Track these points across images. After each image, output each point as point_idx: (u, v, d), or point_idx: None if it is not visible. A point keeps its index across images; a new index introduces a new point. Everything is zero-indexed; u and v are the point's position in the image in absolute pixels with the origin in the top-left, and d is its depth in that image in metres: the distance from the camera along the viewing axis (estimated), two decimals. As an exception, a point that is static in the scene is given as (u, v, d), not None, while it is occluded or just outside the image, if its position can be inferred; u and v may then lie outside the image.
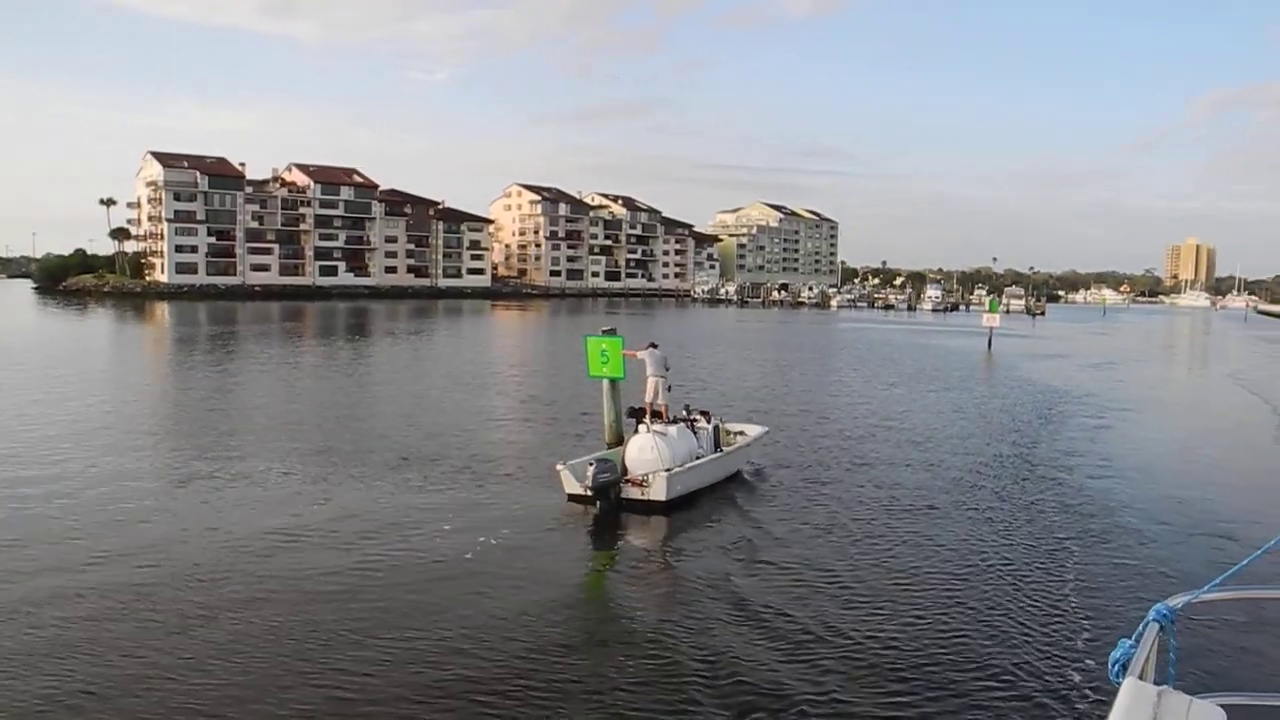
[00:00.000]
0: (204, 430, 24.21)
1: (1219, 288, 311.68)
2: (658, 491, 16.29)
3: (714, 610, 11.70)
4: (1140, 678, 2.76)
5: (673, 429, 17.88)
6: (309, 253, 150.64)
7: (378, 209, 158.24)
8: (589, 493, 16.08)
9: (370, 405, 29.97)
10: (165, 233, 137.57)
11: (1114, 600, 12.35)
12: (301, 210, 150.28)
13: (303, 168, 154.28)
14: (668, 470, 16.67)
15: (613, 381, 18.89)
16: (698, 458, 17.94)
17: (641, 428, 17.86)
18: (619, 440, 18.75)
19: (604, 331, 18.78)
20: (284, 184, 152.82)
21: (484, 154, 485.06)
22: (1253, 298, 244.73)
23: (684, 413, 19.16)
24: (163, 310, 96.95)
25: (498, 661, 10.04)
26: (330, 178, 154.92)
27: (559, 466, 17.00)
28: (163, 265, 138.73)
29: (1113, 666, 2.97)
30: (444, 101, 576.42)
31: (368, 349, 54.91)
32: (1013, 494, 18.71)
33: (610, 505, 16.12)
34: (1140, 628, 3.03)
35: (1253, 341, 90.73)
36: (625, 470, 16.99)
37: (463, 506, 16.60)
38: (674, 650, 10.38)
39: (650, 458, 17.04)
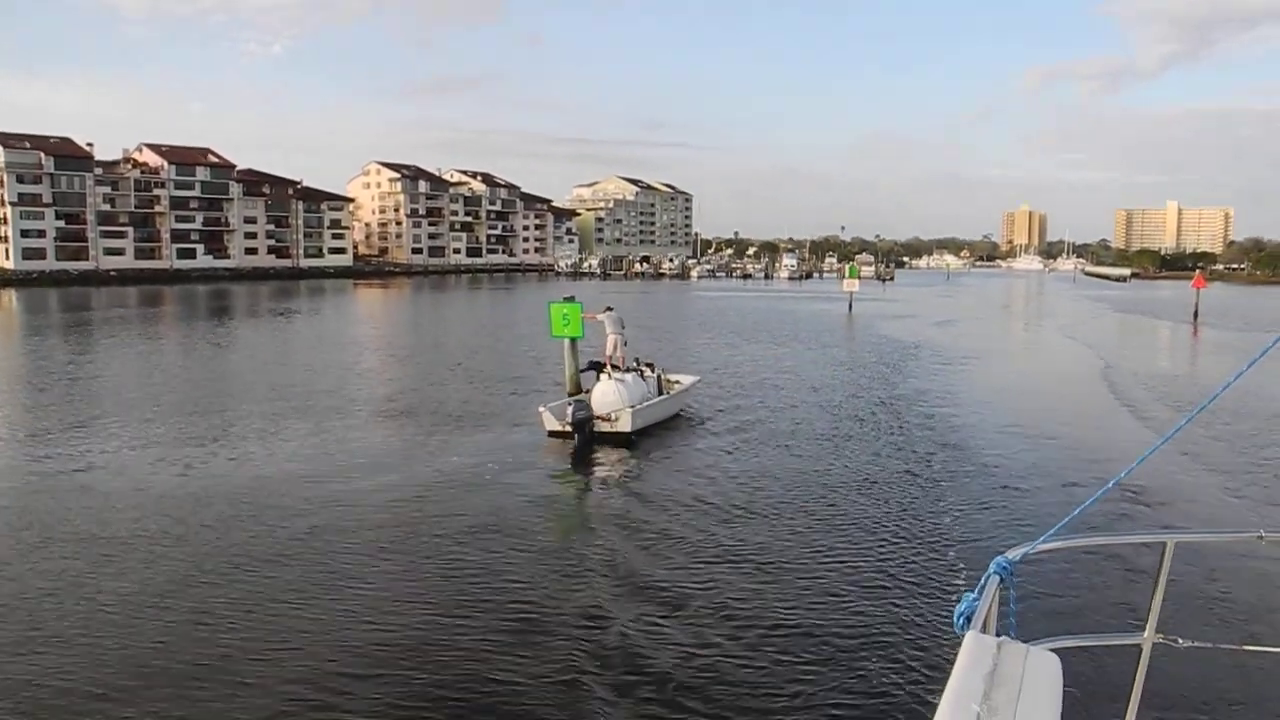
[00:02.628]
0: (195, 402, 26.55)
1: (1050, 251, 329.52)
2: (624, 424, 20.04)
3: (670, 506, 15.59)
4: (984, 629, 2.83)
5: (629, 376, 21.59)
6: (165, 235, 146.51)
7: (235, 189, 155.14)
8: (568, 428, 19.73)
9: (313, 375, 32.34)
10: (9, 217, 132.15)
11: (970, 516, 15.36)
12: (156, 192, 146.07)
13: (155, 148, 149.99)
14: (632, 407, 20.37)
15: (573, 340, 22.51)
16: (648, 400, 21.66)
17: (603, 376, 21.45)
18: (578, 390, 22.39)
19: (565, 299, 22.37)
20: (136, 165, 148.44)
21: (328, 129, 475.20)
22: (1080, 260, 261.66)
23: (635, 364, 22.83)
24: (10, 298, 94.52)
25: (539, 535, 14.06)
26: (184, 158, 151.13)
27: (541, 408, 20.62)
28: (7, 251, 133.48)
29: (958, 620, 3.00)
30: (282, 75, 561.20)
31: (260, 329, 56.56)
32: (889, 423, 23.24)
33: (586, 437, 19.82)
34: (982, 580, 3.10)
35: (1081, 300, 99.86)
36: (592, 410, 20.56)
37: (460, 444, 20.12)
38: (641, 529, 14.29)
39: (613, 399, 20.71)
